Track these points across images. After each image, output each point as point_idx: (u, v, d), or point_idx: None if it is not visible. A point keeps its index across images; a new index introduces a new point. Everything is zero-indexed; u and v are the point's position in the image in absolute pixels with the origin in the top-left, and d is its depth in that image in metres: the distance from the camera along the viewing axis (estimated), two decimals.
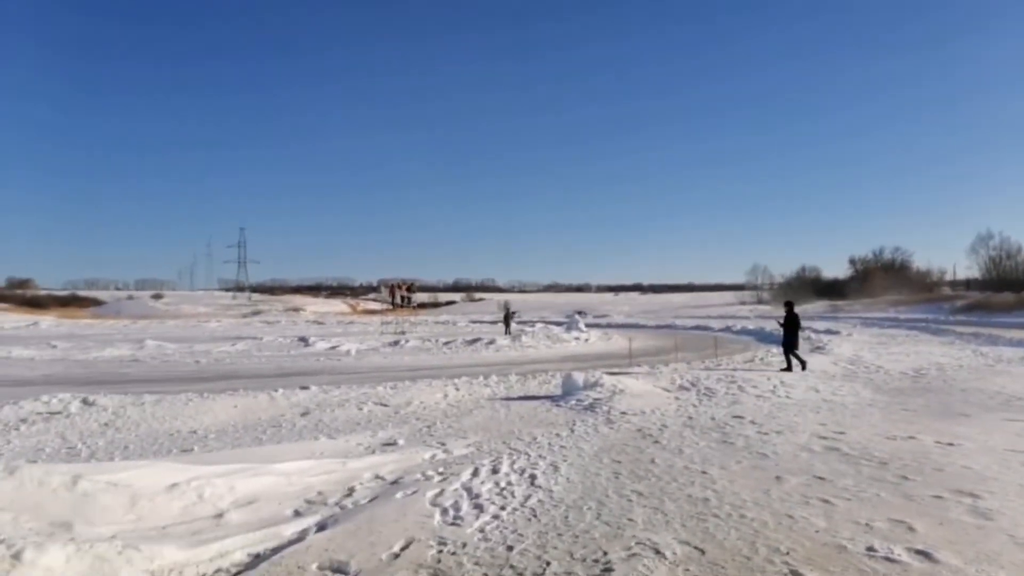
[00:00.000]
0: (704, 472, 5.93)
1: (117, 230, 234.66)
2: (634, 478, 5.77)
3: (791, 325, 15.07)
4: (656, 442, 7.28)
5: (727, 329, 37.37)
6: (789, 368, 14.51)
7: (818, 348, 20.24)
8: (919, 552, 3.96)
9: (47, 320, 78.57)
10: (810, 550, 4.04)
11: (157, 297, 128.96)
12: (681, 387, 11.63)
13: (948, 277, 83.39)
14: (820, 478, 5.69)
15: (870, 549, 4.04)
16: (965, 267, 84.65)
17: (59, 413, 9.60)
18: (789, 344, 14.94)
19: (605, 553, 4.00)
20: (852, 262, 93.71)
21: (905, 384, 12.20)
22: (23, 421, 9.18)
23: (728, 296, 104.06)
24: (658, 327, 47.35)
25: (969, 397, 10.45)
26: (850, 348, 20.04)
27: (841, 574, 3.68)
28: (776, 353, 19.39)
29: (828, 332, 29.06)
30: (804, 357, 15.10)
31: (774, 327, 32.98)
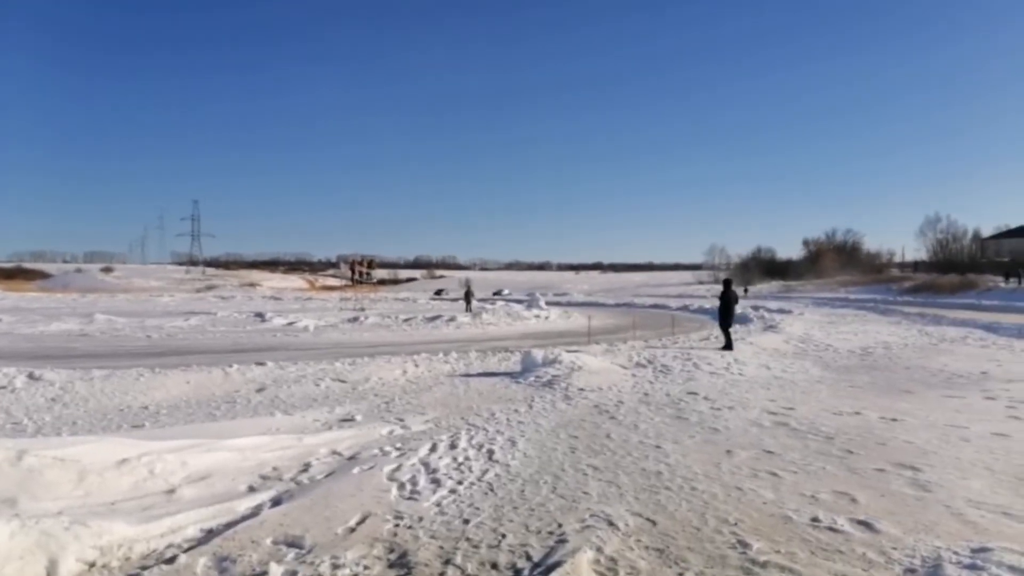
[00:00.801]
0: (658, 447, 6.05)
1: (66, 202, 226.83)
2: (590, 453, 5.86)
3: (726, 302, 15.33)
4: (612, 418, 7.40)
5: (684, 308, 38.08)
6: (729, 346, 14.74)
7: (770, 327, 20.73)
8: (861, 522, 4.12)
9: None
10: (757, 521, 4.17)
11: (107, 271, 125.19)
12: (638, 364, 11.81)
13: (897, 259, 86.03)
14: (769, 452, 5.86)
15: (814, 520, 4.18)
16: (914, 249, 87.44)
17: (4, 388, 9.30)
18: (724, 321, 15.20)
19: (560, 525, 4.07)
20: (806, 243, 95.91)
21: (853, 362, 12.60)
22: None
23: (686, 276, 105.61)
24: (617, 305, 47.92)
25: (913, 375, 10.85)
26: (801, 327, 20.58)
27: (786, 543, 3.82)
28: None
29: (780, 311, 29.81)
30: (747, 337, 15.38)
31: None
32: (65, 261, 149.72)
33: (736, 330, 20.51)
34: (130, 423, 7.52)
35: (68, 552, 3.55)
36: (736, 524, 4.10)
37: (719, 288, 17.52)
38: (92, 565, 3.58)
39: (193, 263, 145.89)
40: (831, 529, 4.03)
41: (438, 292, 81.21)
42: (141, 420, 7.68)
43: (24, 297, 66.43)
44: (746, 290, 66.98)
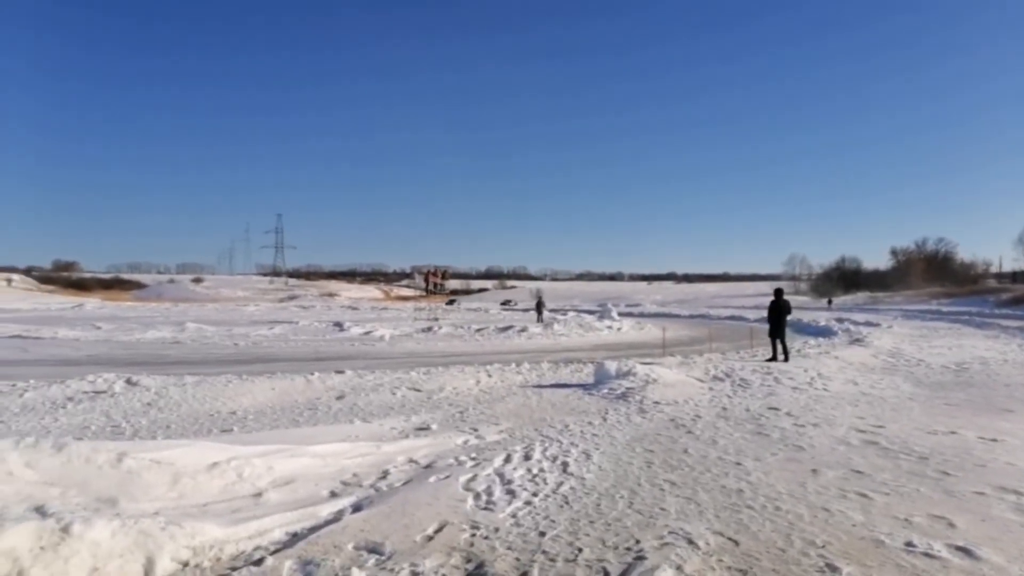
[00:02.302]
0: (738, 463, 5.87)
1: (160, 216, 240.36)
2: (667, 468, 5.74)
3: (776, 312, 14.86)
4: (689, 432, 7.24)
5: (763, 320, 36.81)
6: (774, 357, 14.39)
7: (857, 340, 19.86)
8: (960, 548, 3.88)
9: (91, 302, 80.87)
10: (846, 544, 3.98)
11: (197, 281, 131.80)
12: (715, 378, 11.51)
13: (994, 269, 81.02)
14: (858, 472, 5.59)
15: (909, 544, 3.96)
16: (1012, 259, 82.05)
17: (104, 392, 9.89)
18: (773, 331, 14.76)
19: (637, 541, 4.00)
20: (894, 253, 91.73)
21: (947, 378, 11.91)
22: (70, 399, 9.47)
23: (763, 287, 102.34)
24: (692, 317, 46.97)
25: (1014, 392, 10.16)
26: (890, 341, 19.63)
27: (878, 569, 3.63)
28: (813, 345, 19.11)
29: (868, 324, 28.51)
30: (832, 351, 14.89)
31: (812, 318, 32.51)
32: (159, 272, 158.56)
33: (820, 343, 19.79)
34: (219, 427, 7.86)
35: (164, 551, 3.72)
36: (824, 547, 3.93)
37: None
38: (185, 564, 3.75)
39: (276, 274, 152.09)
40: (927, 555, 3.81)
41: (505, 303, 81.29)
42: (230, 425, 8.02)
43: (120, 306, 70.73)
44: (830, 301, 64.47)
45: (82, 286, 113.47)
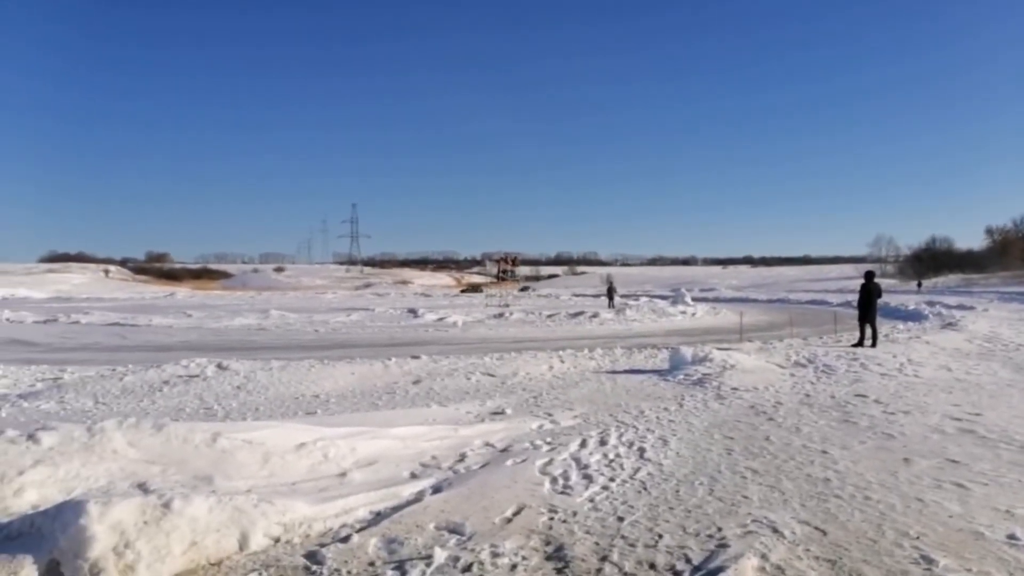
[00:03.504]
0: (824, 452, 5.67)
1: (243, 207, 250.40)
2: (748, 455, 5.61)
3: (867, 296, 14.23)
4: (770, 419, 7.04)
5: (847, 304, 35.38)
6: (861, 342, 13.90)
7: (949, 324, 18.83)
8: None
9: (182, 291, 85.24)
10: (943, 535, 3.79)
11: (279, 270, 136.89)
12: (797, 363, 11.15)
13: None
14: (953, 461, 5.32)
15: (1011, 537, 3.75)
16: None
17: (197, 376, 10.42)
18: (863, 315, 14.25)
19: (719, 529, 3.93)
20: (989, 232, 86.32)
21: None
22: (165, 383, 10.03)
23: (848, 269, 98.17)
24: (770, 301, 45.58)
25: None
26: (986, 325, 18.51)
27: (978, 562, 3.44)
28: (903, 330, 18.25)
29: (961, 307, 26.98)
30: (923, 335, 14.20)
31: (901, 302, 31.00)
32: (243, 262, 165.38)
33: (910, 328, 18.87)
34: (304, 410, 8.17)
35: (257, 527, 3.90)
36: (918, 538, 3.76)
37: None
38: (277, 540, 3.91)
39: (352, 262, 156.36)
40: None
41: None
42: (313, 408, 8.32)
43: (209, 295, 74.21)
44: (920, 284, 61.31)
45: (173, 276, 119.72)
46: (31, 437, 4.63)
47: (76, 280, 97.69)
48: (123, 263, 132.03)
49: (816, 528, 3.94)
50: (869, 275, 15.29)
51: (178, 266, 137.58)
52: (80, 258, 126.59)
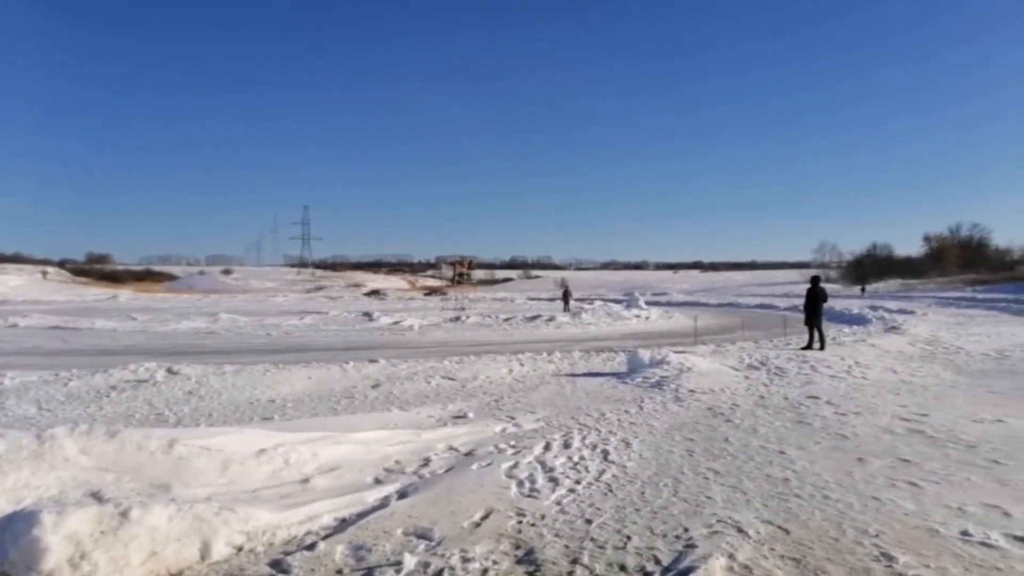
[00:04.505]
0: (781, 452, 5.81)
1: (189, 209, 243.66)
2: (709, 456, 5.70)
3: (813, 300, 14.69)
4: (728, 421, 7.18)
5: (794, 308, 36.39)
6: (809, 346, 14.32)
7: (892, 328, 19.51)
8: (1019, 538, 3.80)
9: (125, 293, 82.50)
10: (900, 533, 3.92)
11: (227, 272, 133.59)
12: (750, 366, 11.40)
13: None
14: (905, 460, 5.50)
15: (964, 533, 3.89)
16: None
17: (146, 381, 10.09)
18: (810, 319, 14.71)
19: (686, 529, 3.98)
20: (927, 239, 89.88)
21: (988, 366, 11.67)
22: (113, 388, 9.68)
23: (793, 275, 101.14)
24: (720, 305, 46.51)
25: None
26: (926, 328, 19.25)
27: (935, 558, 3.57)
28: (848, 333, 18.82)
29: (902, 312, 28.00)
30: (868, 339, 14.69)
31: (845, 306, 32.02)
32: (189, 264, 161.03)
33: (855, 331, 19.49)
34: (260, 415, 7.97)
35: (219, 536, 3.78)
36: (877, 536, 3.87)
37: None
38: (240, 549, 3.81)
39: (303, 265, 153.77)
40: (984, 544, 3.74)
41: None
42: (270, 413, 8.13)
43: (154, 298, 71.99)
44: (863, 289, 63.42)
45: (115, 278, 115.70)
46: None
47: (12, 282, 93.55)
48: (62, 264, 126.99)
49: (779, 527, 4.02)
50: (815, 280, 15.73)
51: (120, 268, 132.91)
52: (16, 259, 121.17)
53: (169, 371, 10.71)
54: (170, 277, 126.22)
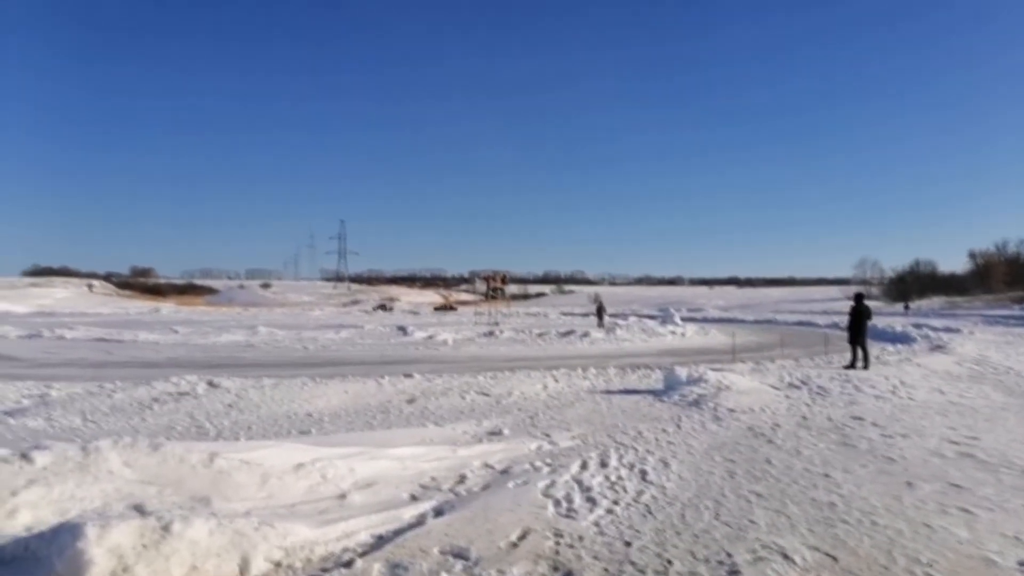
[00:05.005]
0: (826, 475, 5.65)
1: (230, 223, 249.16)
2: (751, 478, 5.57)
3: (857, 317, 14.32)
4: (770, 441, 7.01)
5: (834, 326, 35.64)
6: (853, 364, 13.98)
7: (938, 347, 18.95)
8: None
9: (167, 307, 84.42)
10: (954, 562, 3.77)
11: (266, 286, 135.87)
12: (791, 385, 11.15)
13: None
14: (956, 486, 5.31)
15: (1022, 564, 3.73)
16: None
17: (187, 394, 10.26)
18: (853, 337, 14.34)
19: (729, 555, 3.88)
20: (972, 256, 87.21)
21: None
22: (156, 400, 9.87)
23: (832, 291, 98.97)
24: (757, 322, 45.72)
25: None
26: (974, 347, 18.65)
27: None
28: (892, 352, 18.34)
29: (947, 330, 27.18)
30: (913, 358, 14.29)
31: (888, 324, 31.21)
32: (230, 278, 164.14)
33: (899, 350, 18.97)
34: (298, 429, 8.04)
35: (258, 551, 3.80)
36: (930, 565, 3.73)
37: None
38: (278, 565, 3.81)
39: (339, 279, 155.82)
40: None
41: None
42: (307, 427, 8.20)
43: (195, 311, 73.53)
44: (907, 306, 61.81)
45: (158, 291, 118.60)
46: (24, 456, 4.50)
47: (60, 295, 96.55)
48: (107, 278, 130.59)
49: (826, 554, 3.90)
50: (859, 297, 15.38)
51: (163, 281, 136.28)
52: (64, 272, 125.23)
53: (210, 384, 10.88)
54: (211, 291, 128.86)
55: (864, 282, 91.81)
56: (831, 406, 9.21)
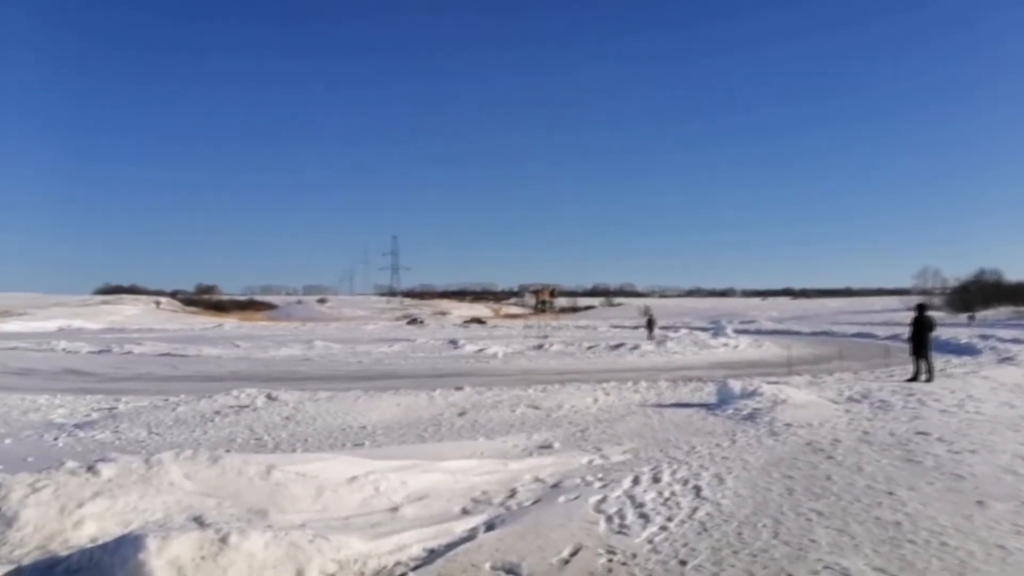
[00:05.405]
0: (891, 492, 5.43)
1: (288, 240, 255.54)
2: (810, 496, 5.40)
3: (920, 328, 13.81)
4: (830, 457, 6.79)
5: (895, 337, 34.44)
6: (916, 377, 13.49)
7: (1007, 359, 18.13)
8: None
9: (230, 322, 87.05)
10: None
11: (322, 301, 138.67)
12: (851, 399, 10.79)
13: None
14: None
15: None
16: None
17: (247, 407, 10.54)
18: (916, 349, 13.85)
19: None
20: None
21: None
22: (217, 413, 10.16)
23: (893, 302, 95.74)
24: (813, 334, 44.49)
25: None
26: None
27: None
28: (957, 364, 17.61)
29: (1016, 341, 25.92)
30: (980, 370, 13.72)
31: (952, 335, 29.99)
32: (288, 294, 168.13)
33: (964, 362, 18.21)
34: (352, 441, 8.17)
35: (313, 564, 3.85)
36: None
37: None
38: None
39: (392, 294, 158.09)
40: None
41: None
42: (361, 439, 8.32)
43: (256, 326, 75.63)
44: (971, 316, 59.32)
45: (221, 308, 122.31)
46: (91, 469, 4.69)
47: (129, 311, 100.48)
48: (174, 295, 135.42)
49: None
50: (922, 307, 14.87)
51: (226, 298, 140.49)
52: (133, 290, 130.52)
53: (268, 397, 11.16)
54: (270, 306, 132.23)
55: (925, 292, 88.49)
56: (894, 420, 8.87)
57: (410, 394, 11.63)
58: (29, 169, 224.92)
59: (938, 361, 16.80)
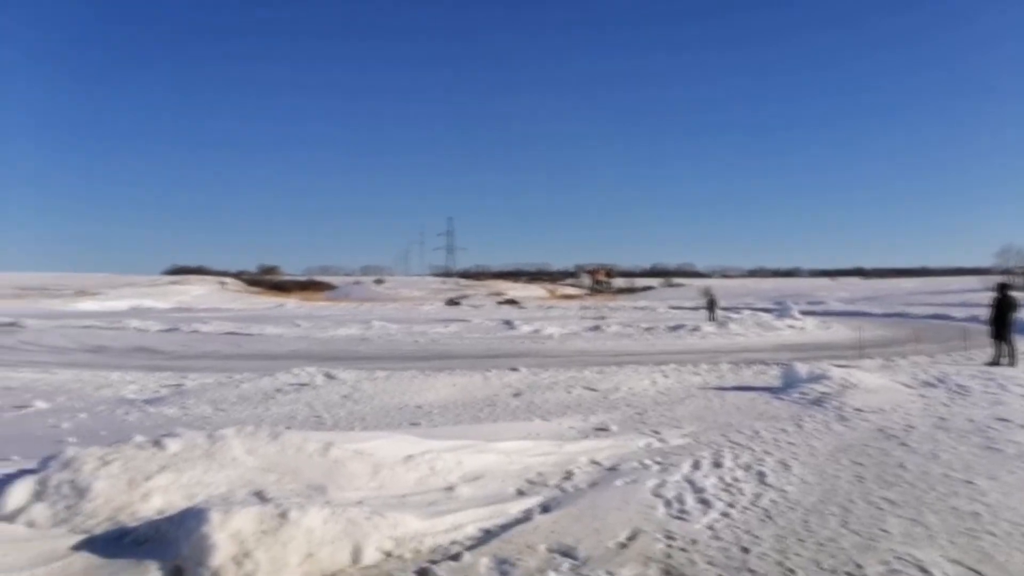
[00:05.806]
0: (968, 482, 5.14)
1: (347, 222, 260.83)
2: (882, 484, 5.15)
3: (1001, 309, 13.04)
4: (903, 444, 6.48)
5: (974, 319, 32.81)
6: (997, 361, 12.88)
7: None
8: None
9: (290, 302, 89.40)
10: None
11: (379, 282, 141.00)
12: (925, 383, 10.30)
13: None
14: None
15: None
16: None
17: (307, 385, 10.78)
18: (997, 331, 13.16)
19: (859, 566, 3.58)
20: None
21: None
22: (278, 391, 10.42)
23: (971, 281, 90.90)
24: (886, 315, 42.76)
25: None
26: None
27: None
28: None
29: None
30: None
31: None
32: (346, 274, 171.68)
33: None
34: (408, 421, 8.25)
35: (370, 541, 3.88)
36: None
37: (1019, 296, 14.94)
38: (388, 555, 3.88)
39: (448, 274, 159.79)
40: None
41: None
42: (417, 419, 8.40)
43: (315, 306, 77.46)
44: None
45: (282, 288, 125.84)
46: (157, 443, 4.83)
47: (196, 291, 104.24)
48: (238, 275, 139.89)
49: (971, 569, 3.54)
50: (1003, 287, 14.06)
51: (287, 278, 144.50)
52: (200, 271, 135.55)
53: (327, 375, 11.38)
54: (329, 287, 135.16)
55: (1007, 271, 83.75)
56: (972, 406, 8.41)
57: (465, 374, 11.69)
58: (106, 158, 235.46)
59: (1021, 344, 15.90)
